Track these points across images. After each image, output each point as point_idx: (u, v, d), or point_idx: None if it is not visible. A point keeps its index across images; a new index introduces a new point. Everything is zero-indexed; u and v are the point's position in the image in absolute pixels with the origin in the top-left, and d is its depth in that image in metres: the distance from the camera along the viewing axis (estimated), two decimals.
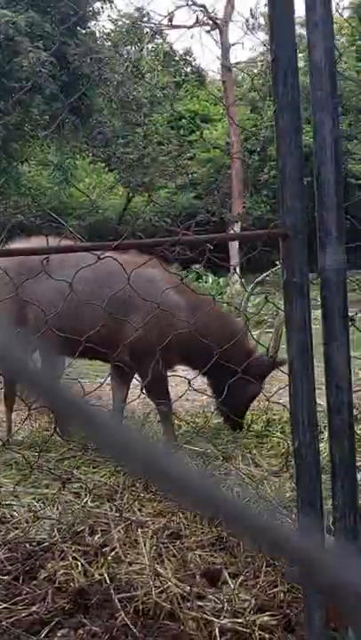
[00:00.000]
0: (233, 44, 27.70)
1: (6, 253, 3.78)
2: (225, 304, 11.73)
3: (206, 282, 19.61)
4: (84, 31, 25.08)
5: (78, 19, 23.13)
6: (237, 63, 29.97)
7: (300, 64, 2.60)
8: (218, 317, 5.61)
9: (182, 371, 5.84)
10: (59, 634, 2.96)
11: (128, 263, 3.35)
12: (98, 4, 26.44)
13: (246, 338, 5.71)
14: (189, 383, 3.22)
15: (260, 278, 11.15)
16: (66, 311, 4.87)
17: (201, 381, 5.83)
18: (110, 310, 4.93)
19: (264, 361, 5.65)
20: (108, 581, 3.26)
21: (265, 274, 11.75)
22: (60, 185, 28.62)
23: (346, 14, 30.22)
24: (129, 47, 28.17)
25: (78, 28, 24.30)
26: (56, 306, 4.20)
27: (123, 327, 5.11)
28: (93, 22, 26.91)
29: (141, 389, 5.24)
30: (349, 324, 2.50)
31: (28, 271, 4.63)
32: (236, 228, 23.78)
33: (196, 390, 3.93)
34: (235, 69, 29.48)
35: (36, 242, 4.97)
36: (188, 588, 3.19)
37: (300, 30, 3.59)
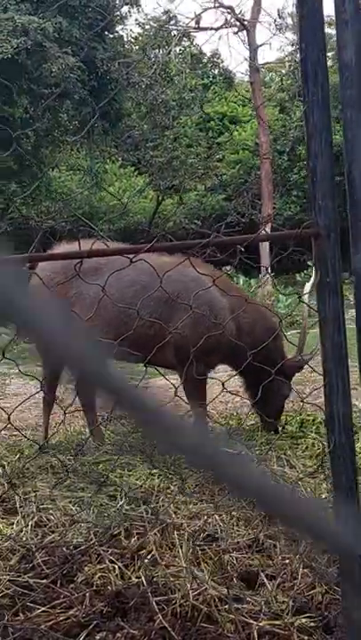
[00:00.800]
0: (260, 45, 27.55)
1: (43, 258, 3.81)
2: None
3: (237, 283, 19.58)
4: (111, 36, 25.15)
5: (106, 23, 23.21)
6: (265, 64, 29.83)
7: (329, 63, 2.58)
8: (261, 316, 5.61)
9: (214, 372, 5.84)
10: (97, 637, 2.97)
11: (170, 264, 3.37)
12: (125, 9, 26.55)
13: (281, 338, 5.74)
14: (223, 385, 3.21)
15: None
16: (111, 314, 4.93)
17: (235, 383, 5.82)
18: (155, 311, 4.99)
19: (297, 362, 5.64)
20: (146, 584, 3.27)
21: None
22: (91, 189, 28.71)
23: None
24: (157, 50, 28.18)
25: (106, 32, 24.37)
26: (100, 308, 4.24)
27: (169, 328, 5.12)
28: (121, 26, 27.02)
29: (176, 391, 5.23)
30: None
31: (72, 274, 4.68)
32: (267, 228, 23.71)
33: (230, 392, 3.92)
34: (262, 70, 29.37)
35: (70, 247, 5.05)
36: (226, 590, 3.18)
37: (328, 30, 3.58)
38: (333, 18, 2.36)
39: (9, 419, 2.72)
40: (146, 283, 5.10)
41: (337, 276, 2.43)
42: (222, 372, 6.48)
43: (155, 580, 3.32)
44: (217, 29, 27.73)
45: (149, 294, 4.57)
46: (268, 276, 19.24)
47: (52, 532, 3.94)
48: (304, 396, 5.27)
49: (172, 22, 28.22)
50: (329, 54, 3.83)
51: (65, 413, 4.16)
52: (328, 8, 2.35)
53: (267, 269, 18.19)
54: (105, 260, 4.42)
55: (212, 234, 2.71)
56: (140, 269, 3.41)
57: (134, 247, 2.56)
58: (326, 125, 2.38)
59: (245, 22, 27.27)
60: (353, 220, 2.40)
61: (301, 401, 4.43)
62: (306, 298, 4.35)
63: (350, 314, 2.40)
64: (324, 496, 4.24)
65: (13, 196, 22.88)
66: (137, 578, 3.35)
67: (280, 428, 5.86)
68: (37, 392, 5.48)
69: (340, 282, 2.44)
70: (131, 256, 2.43)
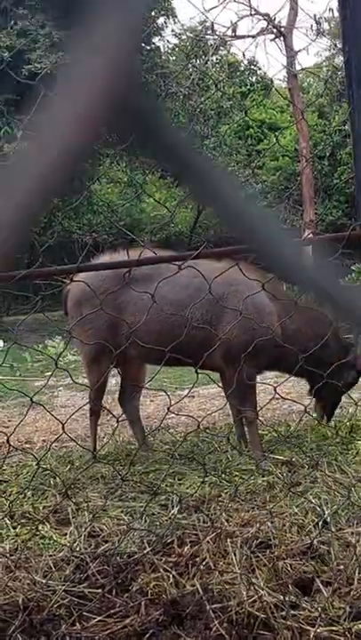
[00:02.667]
0: (298, 51, 27.51)
1: (95, 267, 3.87)
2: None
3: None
4: (149, 47, 25.31)
5: (143, 35, 23.35)
6: (303, 69, 29.77)
7: None
8: (311, 319, 5.61)
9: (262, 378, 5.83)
10: None
11: (220, 269, 3.40)
12: (162, 20, 26.69)
13: (340, 334, 5.79)
14: (275, 390, 3.21)
15: None
16: (162, 319, 5.00)
17: (285, 387, 5.81)
18: (205, 315, 5.06)
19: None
20: (201, 592, 3.26)
21: None
22: (132, 201, 28.88)
23: None
24: (194, 60, 28.29)
25: (143, 44, 24.53)
26: (151, 314, 4.30)
27: (218, 332, 5.15)
28: (158, 38, 27.17)
29: (227, 396, 5.26)
30: None
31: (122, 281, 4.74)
32: (310, 234, 23.59)
33: (282, 397, 3.91)
34: (300, 76, 29.32)
35: (118, 257, 5.15)
36: (282, 597, 3.16)
37: None
38: None
39: (63, 428, 2.74)
40: (196, 288, 5.14)
41: None
42: (270, 377, 6.47)
43: (210, 587, 3.31)
44: (254, 37, 27.75)
45: (200, 300, 4.60)
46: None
47: (106, 541, 3.95)
48: (356, 401, 5.23)
49: (208, 32, 28.29)
50: None
51: (118, 422, 4.16)
52: None
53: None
54: (154, 268, 4.46)
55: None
56: (191, 276, 3.45)
57: (183, 254, 2.58)
58: None
59: (282, 29, 27.24)
60: None
61: (355, 404, 4.40)
62: None
63: None
64: None
65: (55, 211, 23.09)
66: (192, 586, 3.35)
67: (331, 434, 5.84)
68: (86, 404, 5.51)
69: None
70: (179, 263, 2.45)
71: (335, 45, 28.09)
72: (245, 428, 5.78)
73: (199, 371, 3.54)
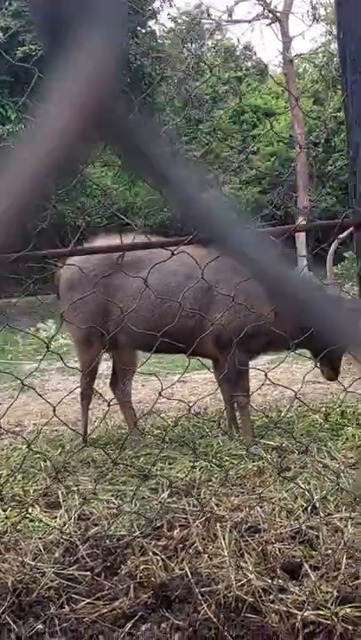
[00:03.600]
0: (294, 37, 27.45)
1: (86, 252, 3.85)
2: None
3: None
4: (144, 30, 25.18)
5: (139, 18, 23.24)
6: (298, 55, 29.69)
7: None
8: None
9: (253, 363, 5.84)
10: (142, 628, 2.99)
11: (209, 255, 3.40)
12: (157, 3, 26.56)
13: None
14: (266, 375, 3.21)
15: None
16: (152, 306, 5.00)
17: (276, 374, 5.82)
18: (195, 301, 5.05)
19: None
20: (190, 575, 3.28)
21: None
22: (126, 185, 28.79)
23: None
24: (189, 44, 28.18)
25: (139, 27, 24.41)
26: (142, 301, 4.29)
27: (208, 319, 5.15)
28: (153, 21, 27.03)
29: (219, 381, 5.27)
30: None
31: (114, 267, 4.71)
32: (303, 221, 23.58)
33: (273, 383, 3.91)
34: (296, 62, 29.25)
35: (109, 241, 5.08)
36: (270, 581, 3.18)
37: None
38: None
39: (54, 411, 2.75)
40: (186, 274, 5.13)
41: None
42: (261, 364, 6.48)
43: (198, 571, 3.33)
44: (250, 21, 27.68)
45: (190, 286, 4.59)
46: (305, 267, 19.12)
47: (96, 524, 3.97)
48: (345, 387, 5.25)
49: (204, 15, 28.19)
50: None
51: (109, 405, 4.16)
52: None
53: (304, 256, 18.08)
54: (146, 253, 4.45)
55: (250, 227, 2.71)
56: (179, 262, 3.44)
57: (175, 240, 2.58)
58: None
59: (278, 14, 27.17)
60: None
61: (345, 391, 4.40)
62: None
63: None
64: None
65: (49, 194, 22.99)
66: (181, 569, 3.36)
67: (320, 420, 5.85)
68: (77, 387, 5.51)
69: None
70: (172, 248, 2.45)
71: (331, 31, 28.03)
72: (237, 413, 5.80)
73: (191, 357, 3.55)
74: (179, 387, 8.31)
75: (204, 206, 0.89)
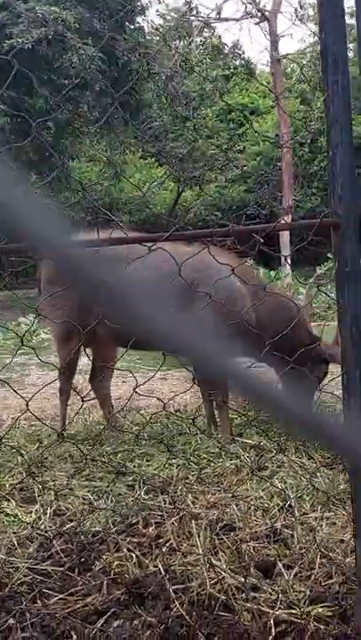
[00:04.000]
0: (282, 36, 27.49)
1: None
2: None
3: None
4: (132, 26, 25.12)
5: (127, 14, 23.19)
6: (286, 55, 29.73)
7: (350, 55, 2.57)
8: (281, 305, 5.58)
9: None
10: (114, 624, 2.98)
11: (188, 253, 3.39)
12: None
13: (309, 324, 5.78)
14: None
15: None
16: None
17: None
18: (175, 300, 5.01)
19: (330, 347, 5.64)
20: (163, 573, 3.28)
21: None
22: (111, 181, 28.77)
23: None
24: (177, 41, 28.15)
25: (127, 23, 24.35)
26: None
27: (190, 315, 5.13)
28: (142, 17, 26.97)
29: (194, 380, 5.24)
30: None
31: None
32: (287, 220, 23.65)
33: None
34: (283, 61, 29.28)
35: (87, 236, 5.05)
36: (243, 579, 3.19)
37: (350, 20, 3.54)
38: (354, 8, 2.35)
39: (27, 406, 2.74)
40: (165, 272, 5.11)
41: (356, 266, 2.43)
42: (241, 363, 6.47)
43: (172, 568, 3.33)
44: (238, 20, 27.70)
45: (168, 284, 4.58)
46: (287, 266, 19.19)
47: (71, 520, 3.96)
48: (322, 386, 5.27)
49: (193, 13, 28.17)
50: (350, 46, 3.81)
51: (83, 401, 4.15)
52: None
53: (285, 259, 18.11)
54: (126, 250, 4.44)
55: (231, 224, 2.71)
56: (159, 259, 3.42)
57: (153, 236, 2.57)
58: (347, 115, 2.37)
59: (266, 13, 27.19)
60: None
61: (319, 391, 4.42)
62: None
63: None
64: (341, 487, 4.24)
65: (33, 187, 22.93)
66: (154, 566, 3.36)
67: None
68: (53, 381, 5.50)
69: (360, 271, 2.44)
70: (150, 244, 2.44)
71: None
72: (216, 412, 5.80)
73: (167, 354, 3.52)
74: (159, 384, 8.30)
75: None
